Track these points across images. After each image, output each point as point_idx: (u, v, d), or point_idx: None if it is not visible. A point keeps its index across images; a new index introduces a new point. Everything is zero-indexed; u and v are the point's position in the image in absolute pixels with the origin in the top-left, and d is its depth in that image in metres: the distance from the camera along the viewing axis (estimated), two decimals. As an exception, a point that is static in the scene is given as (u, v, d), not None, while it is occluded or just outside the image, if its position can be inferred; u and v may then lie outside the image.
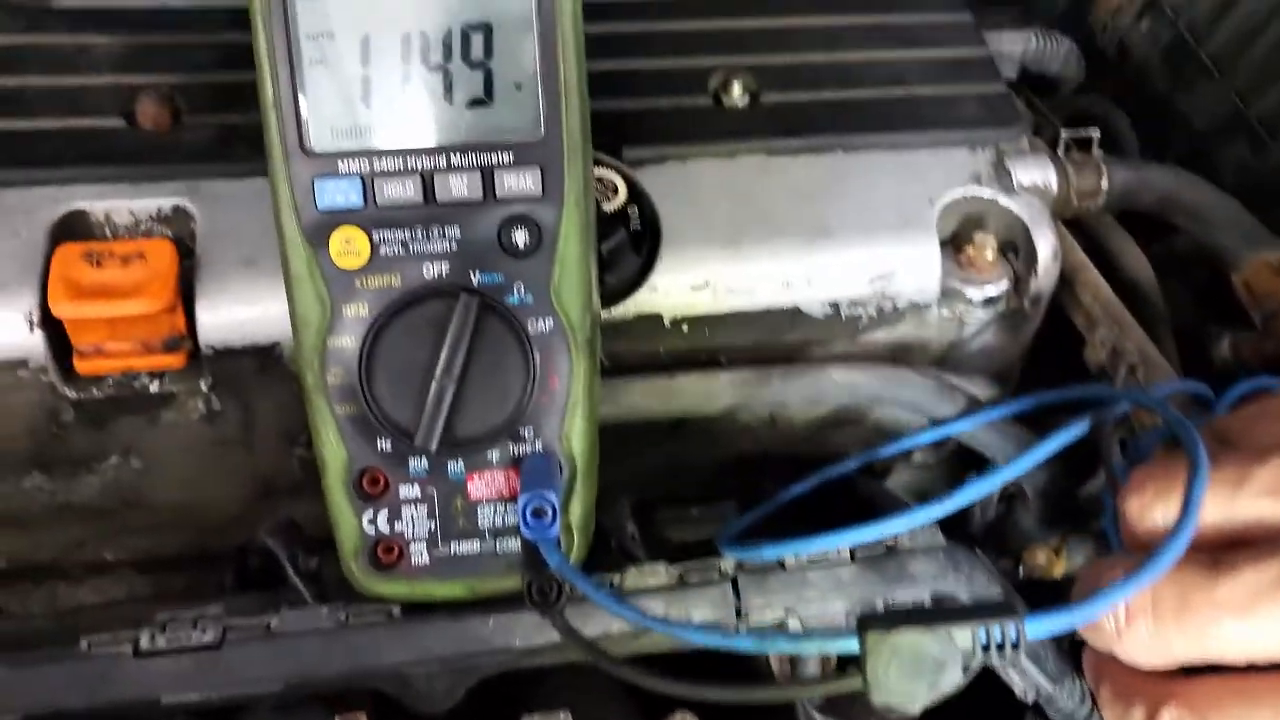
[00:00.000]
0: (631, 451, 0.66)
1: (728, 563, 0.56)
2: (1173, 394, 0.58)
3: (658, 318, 0.62)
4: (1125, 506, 0.47)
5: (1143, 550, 0.43)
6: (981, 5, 1.08)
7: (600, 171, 0.63)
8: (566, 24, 0.47)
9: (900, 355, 0.68)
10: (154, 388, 0.59)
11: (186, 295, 0.57)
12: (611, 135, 0.64)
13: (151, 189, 0.59)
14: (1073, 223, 0.73)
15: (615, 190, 0.63)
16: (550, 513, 0.48)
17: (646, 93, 0.67)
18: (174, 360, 0.57)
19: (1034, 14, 1.02)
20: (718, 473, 0.75)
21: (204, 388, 0.59)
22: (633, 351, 0.63)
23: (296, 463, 0.64)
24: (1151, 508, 0.46)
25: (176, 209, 0.59)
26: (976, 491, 0.53)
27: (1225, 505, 0.43)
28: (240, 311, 0.57)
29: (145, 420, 0.60)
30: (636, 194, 0.63)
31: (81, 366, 0.56)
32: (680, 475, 0.74)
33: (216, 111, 0.62)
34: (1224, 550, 0.42)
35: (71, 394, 0.58)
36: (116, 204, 0.59)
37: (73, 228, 0.58)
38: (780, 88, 0.68)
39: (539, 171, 0.49)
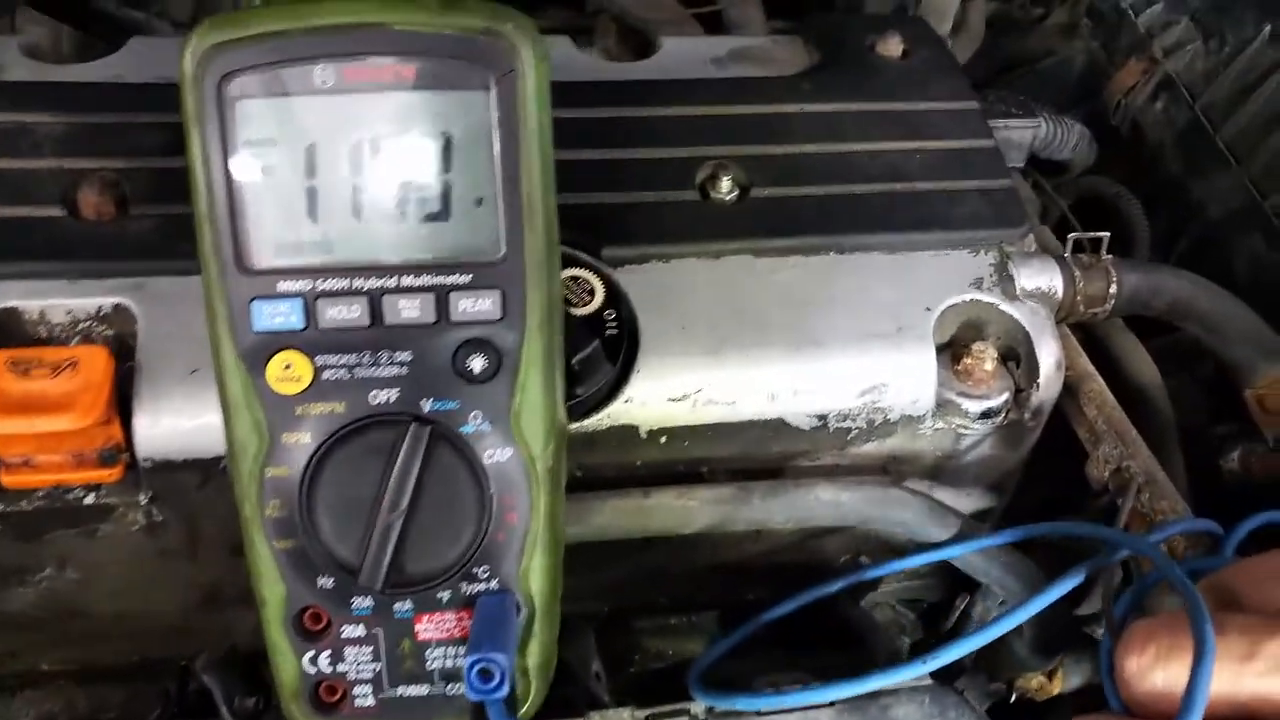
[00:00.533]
0: (603, 560, 0.62)
1: (699, 707, 0.51)
2: (1181, 532, 0.53)
3: (633, 429, 0.58)
4: (1123, 664, 0.43)
5: (1140, 710, 0.41)
6: (992, 81, 1.06)
7: (576, 272, 0.59)
8: (531, 136, 0.44)
9: (892, 467, 0.64)
10: (89, 500, 0.54)
11: (124, 404, 0.53)
12: (590, 232, 0.61)
13: (91, 286, 0.55)
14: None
15: (591, 292, 0.59)
16: (499, 675, 0.43)
17: (629, 185, 0.63)
18: (109, 474, 0.53)
19: (1047, 87, 0.99)
20: (696, 580, 0.70)
21: (143, 500, 0.55)
22: (607, 463, 0.59)
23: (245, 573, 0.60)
24: (1151, 670, 0.42)
25: (118, 307, 0.55)
26: (970, 644, 0.49)
27: (1231, 680, 0.40)
28: (181, 423, 0.53)
29: (80, 533, 0.56)
30: (614, 297, 0.59)
31: (8, 480, 0.52)
32: (657, 583, 0.70)
33: (165, 200, 0.58)
34: None
35: (-2, 506, 0.53)
36: (53, 302, 0.55)
37: (4, 326, 0.54)
38: (771, 181, 0.64)
39: (499, 294, 0.45)
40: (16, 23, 0.87)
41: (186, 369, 0.54)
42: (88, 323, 0.55)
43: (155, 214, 0.58)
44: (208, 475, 0.54)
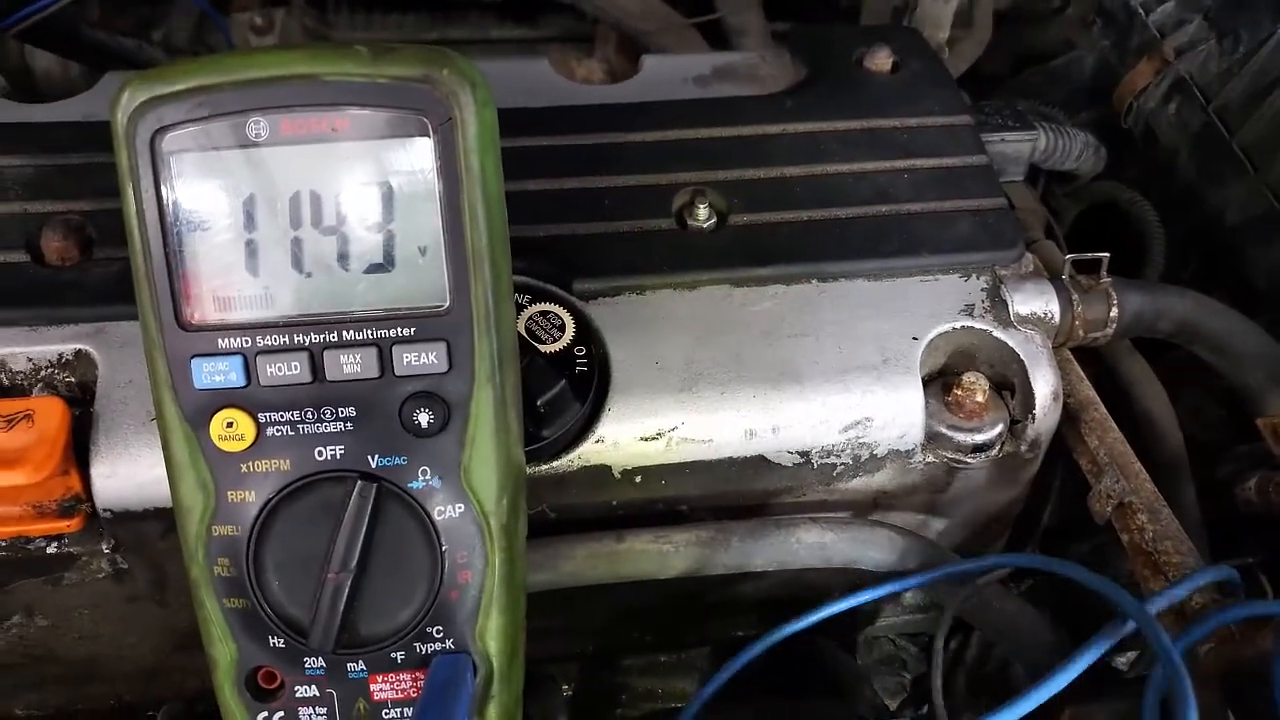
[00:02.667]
0: (584, 600, 0.60)
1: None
2: (1188, 593, 0.51)
3: (606, 469, 0.56)
4: None
5: None
6: (994, 89, 1.03)
7: (546, 306, 0.57)
8: (474, 182, 0.42)
9: (882, 502, 0.62)
10: (51, 550, 0.54)
11: (82, 453, 0.52)
12: (561, 265, 0.59)
13: (53, 333, 0.55)
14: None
15: (561, 328, 0.57)
16: (447, 744, 0.42)
17: (603, 215, 0.61)
18: (69, 524, 0.52)
19: (1057, 88, 0.95)
20: (683, 618, 0.68)
21: (106, 549, 0.54)
22: (580, 504, 0.57)
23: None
24: None
25: (79, 353, 0.55)
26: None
27: None
28: (140, 473, 0.52)
29: (45, 581, 0.55)
30: (585, 332, 0.57)
31: (-33, 533, 0.52)
32: (641, 622, 0.68)
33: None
34: None
35: (-40, 558, 0.53)
36: (13, 350, 0.54)
37: (-35, 376, 0.54)
38: (751, 207, 0.62)
39: (444, 345, 0.43)
40: (26, 54, 0.88)
41: (146, 416, 0.53)
42: (49, 370, 0.55)
43: (119, 256, 0.57)
44: (170, 524, 0.53)
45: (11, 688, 0.62)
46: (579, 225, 0.61)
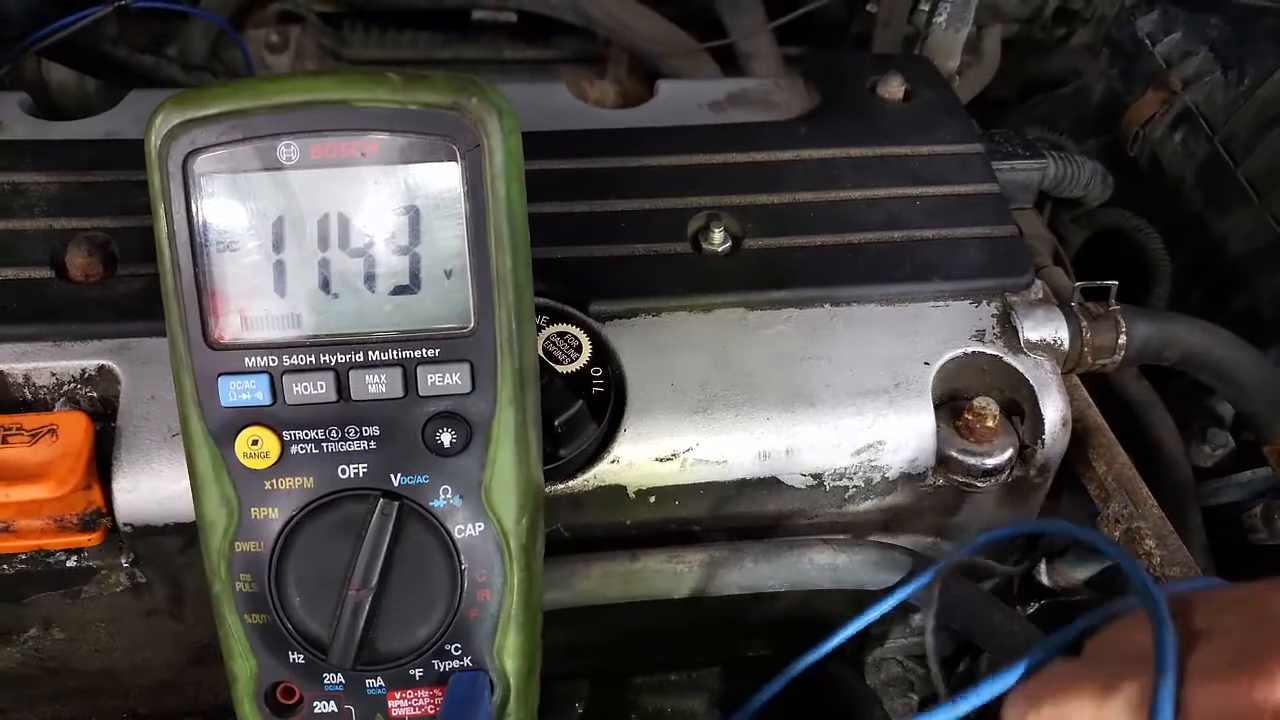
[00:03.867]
0: (597, 619, 0.60)
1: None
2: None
3: (621, 489, 0.57)
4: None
5: None
6: (1001, 114, 1.04)
7: (563, 328, 0.58)
8: (500, 208, 0.43)
9: (892, 524, 0.62)
10: (71, 563, 0.54)
11: (104, 467, 0.53)
12: (579, 286, 0.60)
13: (76, 349, 0.55)
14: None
15: (578, 349, 0.57)
16: (465, 763, 0.42)
17: (620, 238, 0.62)
18: (90, 538, 0.53)
19: (1064, 116, 0.97)
20: (695, 638, 0.69)
21: (125, 563, 0.55)
22: (595, 524, 0.58)
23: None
24: None
25: (102, 369, 0.55)
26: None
27: None
28: (161, 488, 0.53)
29: (63, 595, 0.56)
30: (602, 353, 0.58)
31: (-11, 545, 0.52)
32: (653, 641, 0.68)
33: (153, 259, 0.57)
34: None
35: (-19, 570, 0.54)
36: (37, 365, 0.55)
37: (-10, 390, 0.54)
38: (765, 231, 0.63)
39: (468, 366, 0.44)
40: (43, 69, 0.89)
41: (168, 432, 0.53)
42: (72, 385, 0.55)
43: (143, 274, 0.58)
44: (190, 539, 0.54)
45: (27, 700, 0.63)
46: (596, 248, 0.61)
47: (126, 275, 0.58)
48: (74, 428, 0.51)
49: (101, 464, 0.53)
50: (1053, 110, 1.00)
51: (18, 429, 0.51)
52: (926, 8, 0.82)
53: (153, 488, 0.53)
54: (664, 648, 0.69)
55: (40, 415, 0.52)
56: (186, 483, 0.52)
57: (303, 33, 1.12)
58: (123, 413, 0.54)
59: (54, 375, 0.55)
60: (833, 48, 1.12)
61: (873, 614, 0.52)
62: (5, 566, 0.54)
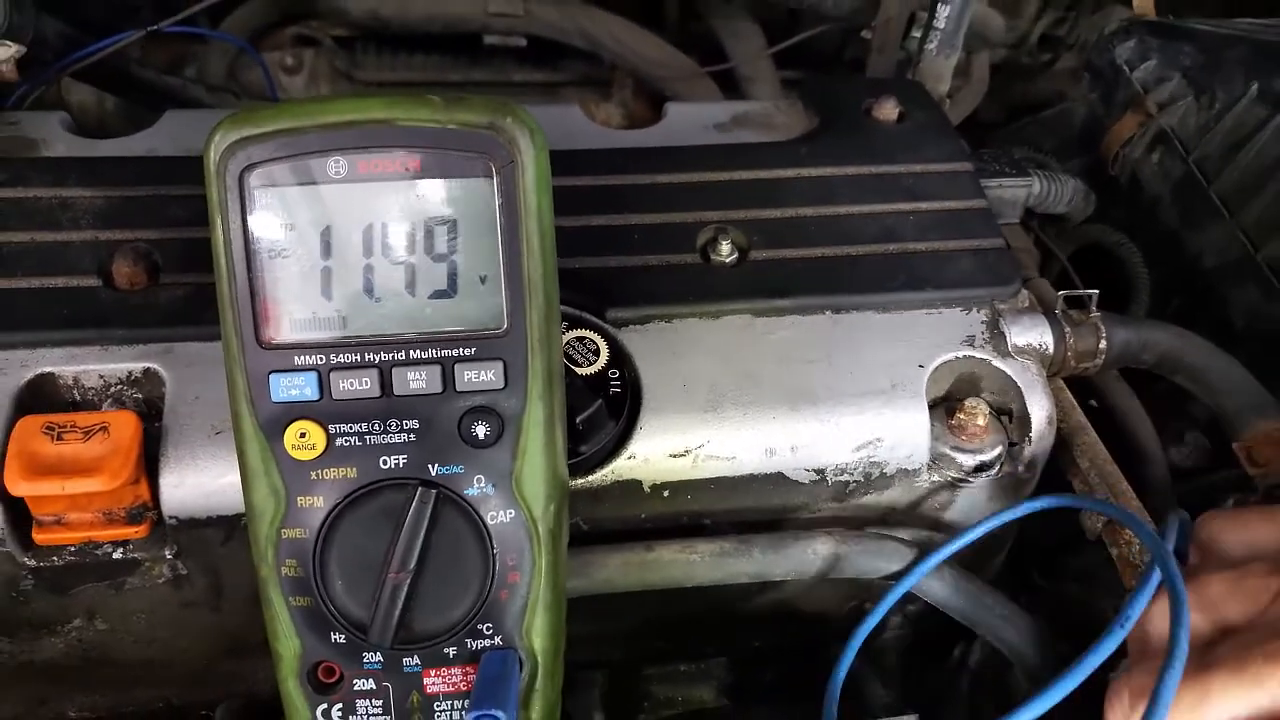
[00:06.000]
0: (611, 609, 0.63)
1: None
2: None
3: (637, 484, 0.61)
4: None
5: None
6: (1004, 122, 1.09)
7: (582, 333, 0.62)
8: (531, 220, 0.47)
9: (891, 519, 0.66)
10: (116, 555, 0.57)
11: (151, 463, 0.56)
12: (595, 295, 0.63)
13: (122, 352, 0.59)
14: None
15: (596, 352, 0.61)
16: (501, 731, 0.45)
17: (634, 250, 0.66)
18: (137, 531, 0.56)
19: (1049, 137, 1.01)
20: (704, 628, 0.72)
21: (168, 555, 0.58)
22: (611, 517, 0.61)
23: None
24: None
25: (147, 372, 0.59)
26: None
27: None
28: (206, 483, 0.56)
29: (108, 586, 0.59)
30: (618, 356, 0.62)
31: (40, 537, 0.55)
32: (664, 631, 0.72)
33: (194, 270, 0.61)
34: None
35: (31, 562, 0.56)
36: (86, 368, 0.58)
37: (41, 391, 0.58)
38: (770, 244, 0.67)
39: (501, 364, 0.48)
40: (63, 89, 0.93)
41: (211, 430, 0.57)
42: (118, 386, 0.59)
43: (184, 282, 0.61)
44: (230, 531, 0.57)
45: (67, 690, 0.65)
46: (611, 259, 0.65)
47: (169, 283, 0.61)
48: (124, 426, 0.55)
49: (148, 461, 0.56)
50: (1038, 131, 1.04)
51: (71, 426, 0.54)
52: (918, 35, 0.87)
53: (197, 482, 0.56)
54: (673, 638, 0.73)
55: (92, 414, 0.55)
56: (229, 478, 0.56)
57: (316, 55, 1.16)
58: (168, 412, 0.57)
59: (102, 377, 0.58)
60: (827, 73, 1.17)
61: (890, 600, 0.56)
62: (55, 558, 0.57)
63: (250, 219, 0.46)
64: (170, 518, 0.56)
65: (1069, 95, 1.08)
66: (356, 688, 0.50)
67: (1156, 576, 0.50)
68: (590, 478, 0.60)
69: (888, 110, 0.75)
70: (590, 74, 1.17)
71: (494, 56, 1.16)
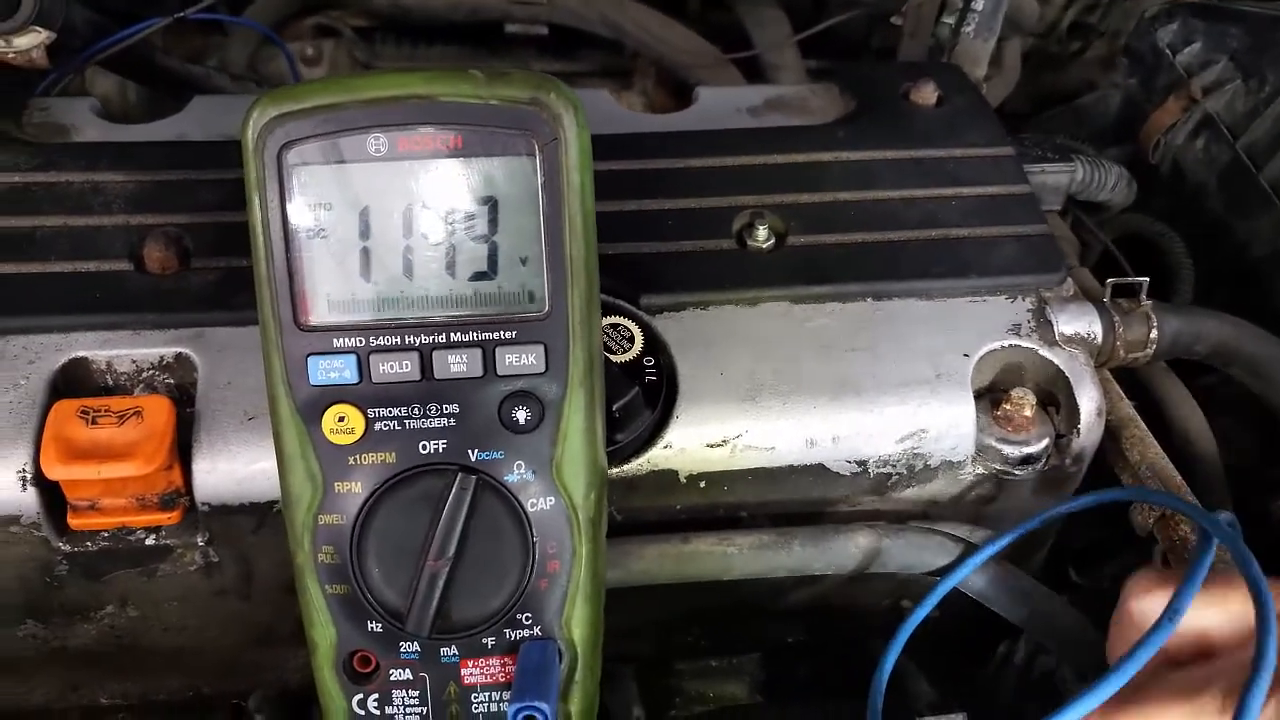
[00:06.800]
0: (644, 602, 0.62)
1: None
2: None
3: (673, 474, 0.59)
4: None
5: None
6: (1034, 113, 1.07)
7: (616, 319, 0.60)
8: (574, 200, 0.45)
9: (933, 512, 0.64)
10: (149, 541, 0.57)
11: (184, 449, 0.55)
12: (630, 281, 0.62)
13: (155, 337, 0.58)
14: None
15: (631, 340, 0.60)
16: (542, 722, 0.44)
17: (668, 235, 0.65)
18: (170, 517, 0.56)
19: (1085, 125, 0.99)
20: (738, 623, 0.71)
21: (200, 542, 0.57)
22: (647, 508, 0.60)
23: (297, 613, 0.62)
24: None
25: (179, 356, 0.58)
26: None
27: None
28: (238, 469, 0.55)
29: (140, 572, 0.58)
30: (654, 344, 0.60)
31: (75, 522, 0.55)
32: (698, 625, 0.71)
33: (224, 254, 0.61)
34: None
35: (65, 548, 0.56)
36: (119, 352, 0.57)
37: (74, 375, 0.57)
38: (807, 229, 0.65)
39: (543, 348, 0.47)
40: (87, 79, 0.92)
41: (244, 416, 0.56)
42: (151, 371, 0.58)
43: (215, 266, 0.60)
44: (263, 518, 0.56)
45: (99, 677, 0.65)
46: (645, 244, 0.64)
47: (200, 268, 0.60)
48: (158, 410, 0.54)
49: (180, 447, 0.55)
50: (1071, 120, 1.02)
51: (106, 410, 0.54)
52: (950, 20, 0.85)
53: (230, 469, 0.55)
54: (705, 633, 0.72)
55: (126, 398, 0.55)
56: (262, 464, 0.55)
57: (336, 46, 1.15)
58: (201, 398, 0.56)
59: (134, 362, 0.58)
60: (854, 61, 1.15)
61: (939, 594, 0.55)
62: (89, 544, 0.56)
63: (288, 198, 0.45)
64: (202, 504, 0.56)
65: (1099, 85, 1.06)
66: (393, 678, 0.49)
67: (1203, 571, 0.48)
68: (625, 467, 0.59)
69: (926, 94, 0.73)
70: (611, 64, 1.15)
71: (513, 46, 1.15)
